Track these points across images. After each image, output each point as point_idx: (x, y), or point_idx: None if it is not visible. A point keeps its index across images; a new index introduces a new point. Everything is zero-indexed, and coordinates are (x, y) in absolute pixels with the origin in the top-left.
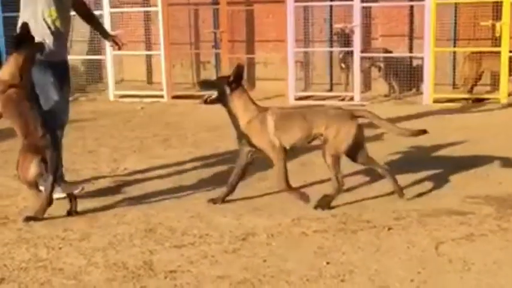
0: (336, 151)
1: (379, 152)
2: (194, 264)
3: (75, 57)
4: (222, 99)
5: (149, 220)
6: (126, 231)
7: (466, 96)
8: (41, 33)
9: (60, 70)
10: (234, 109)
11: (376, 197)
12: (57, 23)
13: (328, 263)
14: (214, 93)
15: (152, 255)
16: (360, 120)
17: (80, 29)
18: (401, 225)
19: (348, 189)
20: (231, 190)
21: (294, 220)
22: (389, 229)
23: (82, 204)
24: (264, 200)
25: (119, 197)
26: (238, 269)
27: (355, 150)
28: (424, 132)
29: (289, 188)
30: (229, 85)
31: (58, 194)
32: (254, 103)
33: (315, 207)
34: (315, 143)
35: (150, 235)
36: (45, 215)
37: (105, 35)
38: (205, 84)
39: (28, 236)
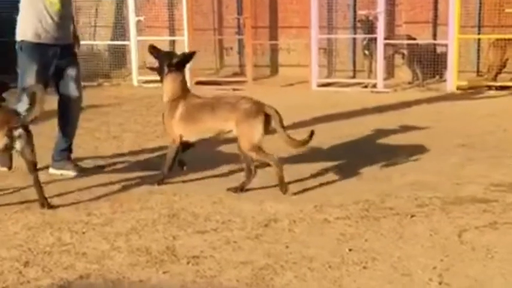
0: (252, 145)
1: (411, 137)
2: (217, 250)
3: (100, 42)
4: (159, 73)
5: (172, 205)
6: (149, 216)
7: (490, 83)
8: (38, 16)
9: (52, 53)
10: (164, 87)
11: (399, 184)
12: (56, 6)
13: (350, 249)
14: (156, 65)
15: (175, 240)
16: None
17: (103, 14)
18: (424, 212)
19: (371, 177)
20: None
21: (316, 207)
22: (412, 216)
23: (106, 189)
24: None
25: (142, 182)
26: (261, 255)
27: None
28: (307, 142)
29: (163, 176)
30: (168, 66)
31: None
32: (183, 89)
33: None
34: None
35: (173, 220)
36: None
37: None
38: (154, 53)
39: (52, 220)
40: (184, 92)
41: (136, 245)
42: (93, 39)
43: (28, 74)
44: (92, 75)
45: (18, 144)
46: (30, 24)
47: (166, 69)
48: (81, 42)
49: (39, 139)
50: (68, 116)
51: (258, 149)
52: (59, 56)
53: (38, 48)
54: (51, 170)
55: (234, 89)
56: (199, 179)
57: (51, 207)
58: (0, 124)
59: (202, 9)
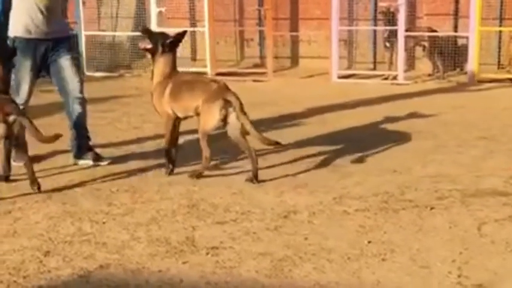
0: (204, 128)
1: (431, 130)
2: (236, 240)
3: (121, 33)
4: (152, 53)
5: (192, 196)
6: (169, 206)
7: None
8: (28, 11)
9: (45, 47)
10: (155, 67)
11: (419, 176)
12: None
13: (369, 241)
14: (149, 45)
15: (194, 231)
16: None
17: (125, 5)
18: (443, 205)
19: (390, 169)
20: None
21: (336, 198)
22: (431, 209)
23: (126, 180)
24: (306, 177)
25: (162, 173)
26: (280, 246)
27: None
28: (277, 143)
29: (168, 155)
30: (162, 45)
31: (87, 160)
32: (173, 69)
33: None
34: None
35: (193, 211)
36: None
37: None
38: (147, 34)
39: (73, 210)
40: (173, 71)
41: (156, 235)
42: (115, 30)
43: (22, 70)
44: (113, 66)
45: (15, 130)
46: (21, 20)
47: (160, 49)
48: (102, 33)
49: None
50: (73, 109)
51: (205, 135)
52: (51, 50)
53: (30, 44)
54: (72, 160)
55: (254, 80)
56: (219, 169)
57: (39, 188)
58: None
59: (223, 0)
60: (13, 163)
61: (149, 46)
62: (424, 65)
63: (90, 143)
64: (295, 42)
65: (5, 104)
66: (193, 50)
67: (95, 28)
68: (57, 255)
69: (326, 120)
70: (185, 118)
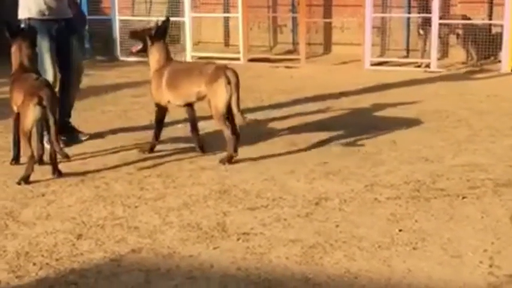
0: (217, 107)
1: (463, 118)
2: (267, 227)
3: (154, 18)
4: (145, 50)
5: (223, 182)
6: (201, 192)
7: None
8: None
9: (61, 28)
10: (150, 59)
11: (451, 165)
12: None
13: (400, 230)
14: (139, 46)
15: (226, 216)
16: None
17: None
18: (475, 194)
19: (422, 157)
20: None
21: (367, 186)
22: (463, 198)
23: (158, 165)
24: (337, 164)
25: (194, 158)
26: (311, 233)
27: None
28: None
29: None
30: (150, 38)
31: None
32: (167, 57)
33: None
34: None
35: (224, 197)
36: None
37: None
38: (133, 35)
39: (105, 194)
40: (167, 60)
41: (187, 220)
42: (149, 15)
43: (43, 50)
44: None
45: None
46: (35, 1)
47: (149, 42)
48: (136, 18)
49: None
50: (68, 86)
51: (220, 116)
52: (63, 30)
53: (44, 24)
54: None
55: (287, 67)
56: (251, 155)
57: (60, 174)
58: (32, 94)
59: None
60: (46, 146)
61: (139, 47)
62: (458, 53)
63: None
64: (328, 28)
65: (40, 88)
66: (226, 36)
67: (129, 13)
68: (90, 239)
69: (358, 107)
70: (185, 105)
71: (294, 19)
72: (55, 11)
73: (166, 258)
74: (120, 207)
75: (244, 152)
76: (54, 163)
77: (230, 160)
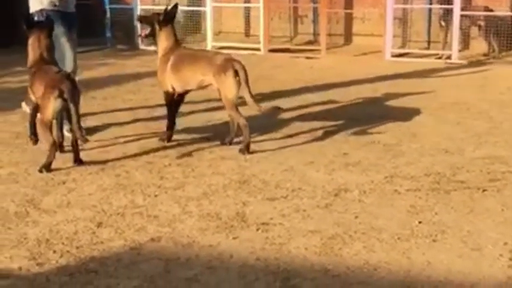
0: (227, 98)
1: (484, 110)
2: (286, 217)
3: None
4: (153, 34)
5: (243, 172)
6: (220, 181)
7: None
8: None
9: (68, 20)
10: (158, 44)
11: (471, 157)
12: None
13: (420, 222)
14: (147, 30)
15: (245, 206)
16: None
17: None
18: (496, 187)
19: (442, 149)
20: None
21: (387, 177)
22: (483, 190)
23: (178, 154)
24: (357, 155)
25: (213, 147)
26: (330, 224)
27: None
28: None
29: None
30: (158, 22)
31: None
32: (176, 42)
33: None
34: None
35: (244, 187)
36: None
37: None
38: (142, 19)
39: (125, 183)
40: (175, 45)
41: (207, 209)
42: (169, 4)
43: (60, 40)
44: None
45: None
46: None
47: (157, 27)
48: (157, 7)
49: None
50: None
51: (232, 105)
52: (69, 22)
53: (57, 15)
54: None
55: (307, 57)
56: (270, 145)
57: (81, 162)
58: (53, 86)
59: None
60: (66, 133)
61: (147, 32)
62: (479, 45)
63: None
64: (349, 19)
65: (62, 81)
66: (247, 26)
67: (149, 2)
68: (110, 227)
69: (378, 98)
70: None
71: (315, 9)
72: (64, 4)
73: (185, 247)
74: (140, 196)
75: (263, 142)
76: (76, 152)
77: (249, 148)
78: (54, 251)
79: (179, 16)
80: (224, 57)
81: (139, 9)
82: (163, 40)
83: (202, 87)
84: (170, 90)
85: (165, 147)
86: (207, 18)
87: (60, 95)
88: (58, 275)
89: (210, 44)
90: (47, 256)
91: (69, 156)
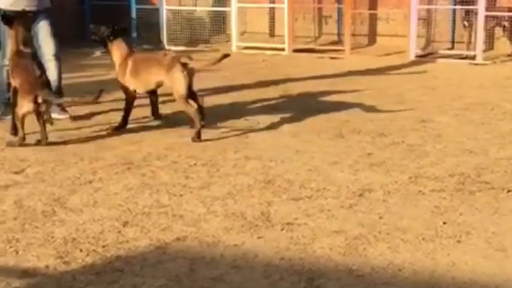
0: (177, 92)
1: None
2: (311, 217)
3: (201, 8)
4: (103, 45)
5: (268, 172)
6: (245, 181)
7: None
8: None
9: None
10: (112, 54)
11: (496, 158)
12: None
13: (444, 222)
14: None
15: (270, 206)
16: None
17: None
18: None
19: (467, 150)
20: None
21: (411, 178)
22: (508, 191)
23: (203, 154)
24: (381, 156)
25: (239, 147)
26: (354, 224)
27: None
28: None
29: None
30: (108, 37)
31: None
32: (129, 50)
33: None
34: None
35: (268, 186)
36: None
37: None
38: (92, 30)
39: (151, 182)
40: (129, 52)
41: (231, 209)
42: (195, 5)
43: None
44: (192, 40)
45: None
46: None
47: (108, 40)
48: (183, 8)
49: None
50: (47, 68)
51: (183, 99)
52: (34, 21)
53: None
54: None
55: (331, 58)
56: (295, 145)
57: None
58: (29, 91)
59: None
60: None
61: (96, 39)
62: (504, 45)
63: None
64: (373, 20)
65: (36, 88)
66: (272, 26)
67: (176, 3)
68: (136, 226)
69: (402, 99)
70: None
71: (340, 10)
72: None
73: (210, 246)
74: (165, 196)
75: (288, 142)
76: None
77: (200, 135)
78: (81, 250)
79: (204, 16)
80: (171, 56)
81: (165, 9)
82: (116, 50)
83: (159, 85)
84: (132, 92)
85: (191, 147)
86: (232, 19)
87: (35, 100)
88: (84, 273)
89: (235, 44)
90: (73, 255)
91: (96, 156)
